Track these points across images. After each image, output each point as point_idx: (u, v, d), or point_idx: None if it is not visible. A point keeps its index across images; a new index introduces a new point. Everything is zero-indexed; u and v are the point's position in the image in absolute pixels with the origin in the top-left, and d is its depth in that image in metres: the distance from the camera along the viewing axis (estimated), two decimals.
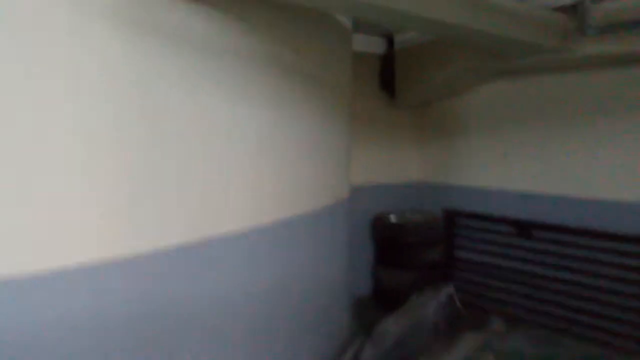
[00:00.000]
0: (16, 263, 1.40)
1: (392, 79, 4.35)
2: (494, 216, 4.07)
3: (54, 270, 1.46)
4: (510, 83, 3.99)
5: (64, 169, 1.50)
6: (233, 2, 2.01)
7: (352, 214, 4.38)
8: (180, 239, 1.81)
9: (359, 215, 4.41)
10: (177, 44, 1.76)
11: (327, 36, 3.00)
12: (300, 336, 2.69)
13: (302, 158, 2.57)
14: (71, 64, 1.49)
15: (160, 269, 1.76)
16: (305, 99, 2.61)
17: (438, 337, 3.40)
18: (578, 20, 2.93)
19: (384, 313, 3.51)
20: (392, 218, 4.27)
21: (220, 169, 2.02)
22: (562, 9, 3.00)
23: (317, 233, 2.82)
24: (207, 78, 1.91)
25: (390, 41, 4.38)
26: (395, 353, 3.12)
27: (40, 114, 1.44)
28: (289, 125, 2.43)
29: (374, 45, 4.45)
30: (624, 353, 3.25)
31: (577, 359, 3.25)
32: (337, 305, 3.41)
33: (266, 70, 2.23)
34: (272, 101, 2.28)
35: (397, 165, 4.74)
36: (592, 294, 3.45)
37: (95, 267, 1.56)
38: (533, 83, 3.84)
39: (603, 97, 3.43)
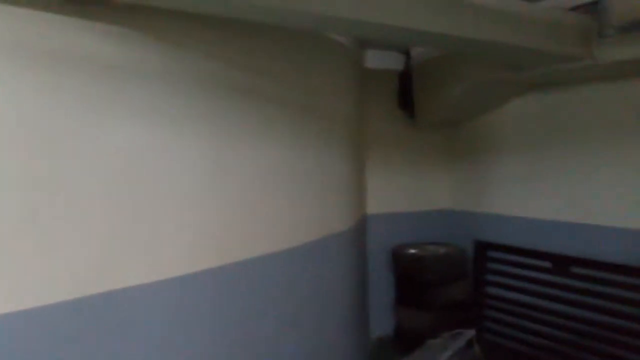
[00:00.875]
0: None
1: (411, 97, 3.99)
2: (530, 250, 3.55)
3: None
4: (542, 98, 3.50)
5: None
6: (167, 24, 1.82)
7: (370, 246, 4.06)
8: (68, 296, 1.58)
9: (379, 247, 4.07)
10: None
11: (311, 55, 2.76)
12: None
13: (262, 192, 2.31)
14: None
15: None
16: (270, 125, 2.37)
17: None
18: (599, 20, 2.46)
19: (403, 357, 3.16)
20: (412, 251, 3.86)
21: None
22: (581, 8, 2.54)
23: (289, 276, 2.53)
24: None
25: (408, 56, 4.03)
26: None
27: None
28: (242, 156, 2.19)
29: (391, 61, 4.12)
30: None
31: None
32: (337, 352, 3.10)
33: (206, 94, 2.01)
34: (218, 130, 2.06)
35: (423, 192, 4.33)
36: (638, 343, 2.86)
37: None
38: (570, 96, 3.34)
39: None
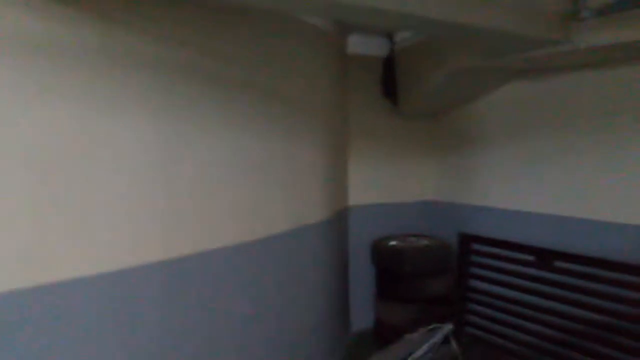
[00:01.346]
0: None
1: (394, 85, 3.87)
2: (515, 243, 3.44)
3: None
4: (528, 86, 3.37)
5: None
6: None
7: (352, 238, 3.96)
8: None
9: (361, 239, 3.97)
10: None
11: (283, 39, 2.66)
12: None
13: (219, 182, 2.22)
14: None
15: None
16: (232, 112, 2.27)
17: None
18: (576, 3, 2.32)
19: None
20: (393, 243, 3.76)
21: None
22: None
23: (249, 270, 2.45)
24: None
25: (392, 41, 3.89)
26: None
27: None
28: (196, 144, 2.10)
29: (375, 47, 3.99)
30: None
31: None
32: (315, 348, 3.03)
33: (152, 76, 1.91)
34: (167, 115, 1.96)
35: (407, 183, 4.21)
36: (621, 340, 2.75)
37: None
38: (554, 85, 3.21)
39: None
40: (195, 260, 2.08)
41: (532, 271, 3.27)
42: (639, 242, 2.78)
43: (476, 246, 3.72)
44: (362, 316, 3.97)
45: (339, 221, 3.59)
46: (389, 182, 4.13)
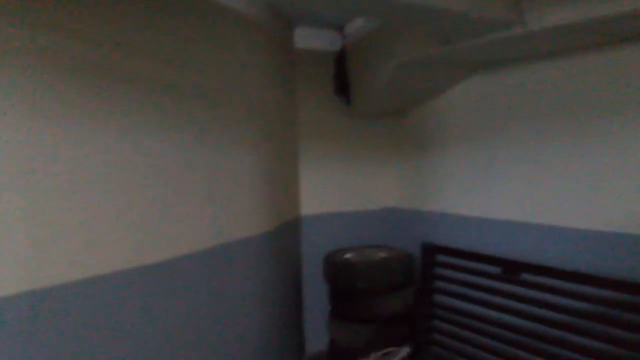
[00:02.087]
0: None
1: (347, 81, 3.52)
2: (479, 254, 3.09)
3: None
4: (489, 80, 3.03)
5: None
6: None
7: (306, 251, 3.59)
8: None
9: (315, 252, 3.60)
10: None
11: (208, 32, 2.31)
12: None
13: (111, 190, 1.85)
14: None
15: None
16: (127, 110, 1.91)
17: None
18: None
19: None
20: (347, 256, 3.40)
21: None
22: None
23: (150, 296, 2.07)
24: None
25: (344, 34, 3.55)
26: None
27: None
28: (71, 144, 1.72)
29: (327, 41, 3.64)
30: None
31: None
32: None
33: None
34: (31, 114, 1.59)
35: (366, 189, 3.85)
36: None
37: None
38: (519, 77, 2.87)
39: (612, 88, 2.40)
40: (70, 290, 1.71)
41: (499, 284, 2.93)
42: (604, 250, 2.44)
43: (441, 257, 3.37)
44: (318, 337, 3.60)
45: (287, 233, 3.24)
46: (347, 189, 3.77)
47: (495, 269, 2.96)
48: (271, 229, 2.92)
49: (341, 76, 3.54)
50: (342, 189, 3.75)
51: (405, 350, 2.83)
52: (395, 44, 2.82)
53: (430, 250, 3.40)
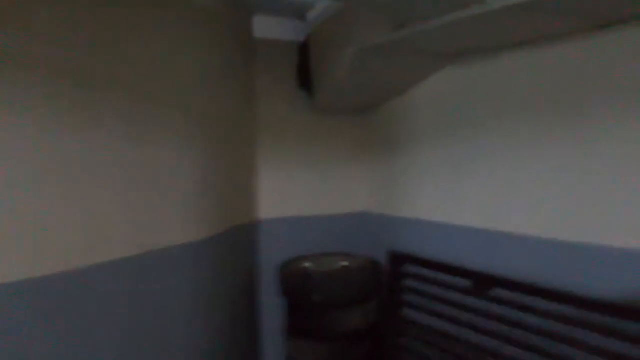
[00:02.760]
0: None
1: (309, 74, 3.22)
2: (450, 265, 2.78)
3: None
4: (458, 74, 2.73)
5: None
6: None
7: (263, 259, 3.28)
8: None
9: (274, 261, 3.30)
10: None
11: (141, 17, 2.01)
12: None
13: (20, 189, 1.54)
14: None
15: None
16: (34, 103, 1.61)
17: None
18: None
19: None
20: (305, 265, 3.09)
21: None
22: None
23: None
24: None
25: (305, 22, 3.26)
26: None
27: None
28: None
29: (291, 31, 3.35)
30: None
31: None
32: None
33: None
34: None
35: (333, 192, 3.54)
36: None
37: None
38: (491, 69, 2.56)
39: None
40: None
41: (469, 300, 2.62)
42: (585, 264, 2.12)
43: (410, 268, 3.05)
44: (279, 357, 3.29)
45: (238, 239, 2.93)
46: (311, 191, 3.47)
47: (465, 282, 2.65)
48: (214, 234, 2.61)
49: (304, 68, 3.25)
50: (306, 192, 3.44)
51: None
52: (352, 30, 2.52)
53: (397, 259, 3.07)
